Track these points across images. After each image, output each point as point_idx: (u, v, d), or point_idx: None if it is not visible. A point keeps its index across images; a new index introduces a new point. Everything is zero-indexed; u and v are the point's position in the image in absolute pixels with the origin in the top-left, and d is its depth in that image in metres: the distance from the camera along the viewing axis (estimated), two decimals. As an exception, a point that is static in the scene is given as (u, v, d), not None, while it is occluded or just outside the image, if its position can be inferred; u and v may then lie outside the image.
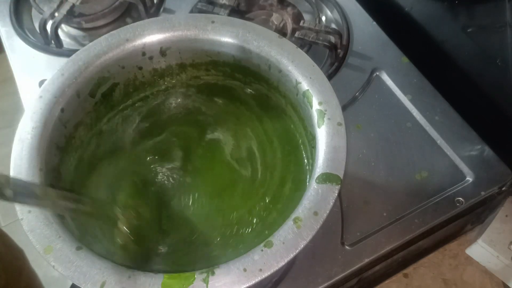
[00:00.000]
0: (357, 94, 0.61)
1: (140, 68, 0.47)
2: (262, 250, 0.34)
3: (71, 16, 0.67)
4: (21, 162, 0.38)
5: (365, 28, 0.67)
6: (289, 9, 0.69)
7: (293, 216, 0.35)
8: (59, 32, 0.68)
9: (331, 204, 0.35)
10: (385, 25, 0.67)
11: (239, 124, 0.48)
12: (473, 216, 0.57)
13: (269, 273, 0.33)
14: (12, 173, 0.38)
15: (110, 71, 0.45)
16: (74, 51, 0.44)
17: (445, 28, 0.64)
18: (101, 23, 0.69)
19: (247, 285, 0.32)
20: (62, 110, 0.42)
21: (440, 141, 0.58)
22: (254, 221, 0.42)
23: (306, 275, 0.50)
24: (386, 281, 0.59)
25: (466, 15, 0.61)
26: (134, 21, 0.46)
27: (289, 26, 0.67)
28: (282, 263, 0.33)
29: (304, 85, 0.41)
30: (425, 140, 0.58)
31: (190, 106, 0.49)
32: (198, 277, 0.33)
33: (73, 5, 0.66)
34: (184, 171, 0.46)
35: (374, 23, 0.67)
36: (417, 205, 0.54)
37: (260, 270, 0.33)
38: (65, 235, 0.35)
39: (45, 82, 0.43)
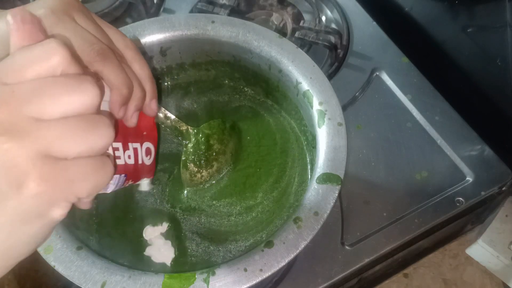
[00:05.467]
0: (357, 94, 0.61)
1: (140, 68, 0.47)
2: (262, 250, 0.34)
3: (71, 16, 0.67)
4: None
5: (365, 28, 0.67)
6: (289, 9, 0.69)
7: (293, 216, 0.35)
8: (59, 32, 0.67)
9: (332, 204, 0.35)
10: (385, 25, 0.67)
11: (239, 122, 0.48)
12: (473, 216, 0.57)
13: (269, 273, 0.33)
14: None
15: (110, 71, 0.45)
16: (74, 51, 0.44)
17: (445, 28, 0.64)
18: (101, 23, 0.69)
19: (248, 285, 0.33)
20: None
21: (440, 141, 0.58)
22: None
23: (306, 275, 0.50)
24: (386, 281, 0.59)
25: (466, 15, 0.61)
26: (134, 21, 0.46)
27: (289, 26, 0.67)
28: (282, 263, 0.33)
29: (305, 85, 0.41)
30: (425, 140, 0.58)
31: (190, 107, 0.49)
32: (199, 277, 0.33)
33: (73, 5, 0.66)
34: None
35: (374, 23, 0.67)
36: (417, 205, 0.54)
37: (261, 270, 0.33)
38: (65, 235, 0.35)
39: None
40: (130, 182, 0.36)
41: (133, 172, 0.35)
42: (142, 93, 0.33)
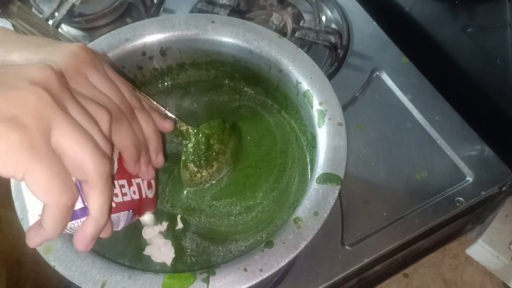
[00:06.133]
0: (357, 94, 0.62)
1: (140, 68, 0.47)
2: (262, 250, 0.34)
3: (71, 16, 0.67)
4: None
5: (365, 28, 0.67)
6: (289, 9, 0.69)
7: (293, 216, 0.35)
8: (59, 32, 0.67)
9: (332, 204, 0.35)
10: (385, 25, 0.67)
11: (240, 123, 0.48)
12: (473, 216, 0.57)
13: (269, 273, 0.33)
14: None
15: (110, 71, 0.45)
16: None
17: (445, 28, 0.64)
18: (101, 23, 0.69)
19: (248, 285, 0.32)
20: (62, 110, 0.42)
21: (440, 141, 0.58)
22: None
23: (306, 275, 0.50)
24: (386, 281, 0.59)
25: (466, 15, 0.61)
26: (134, 21, 0.46)
27: (289, 26, 0.67)
28: (282, 263, 0.33)
29: (305, 85, 0.41)
30: (425, 140, 0.58)
31: (190, 107, 0.49)
32: (199, 277, 0.33)
33: (73, 5, 0.66)
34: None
35: (374, 23, 0.67)
36: (417, 205, 0.54)
37: (261, 270, 0.33)
38: (65, 235, 0.35)
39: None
40: (136, 217, 0.36)
41: (138, 207, 0.35)
42: (147, 150, 0.35)
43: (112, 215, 0.31)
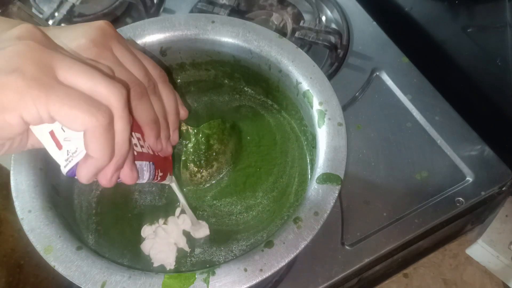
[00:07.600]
0: (357, 94, 0.62)
1: (140, 68, 0.47)
2: (262, 250, 0.34)
3: (71, 16, 0.67)
4: (21, 161, 0.38)
5: (365, 28, 0.67)
6: (289, 9, 0.69)
7: (293, 216, 0.35)
8: (59, 32, 0.67)
9: (332, 204, 0.35)
10: (385, 25, 0.67)
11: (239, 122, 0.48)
12: (473, 216, 0.57)
13: (269, 273, 0.33)
14: (12, 172, 0.38)
15: (110, 71, 0.45)
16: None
17: (445, 28, 0.64)
18: (101, 23, 0.69)
19: (248, 285, 0.32)
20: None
21: (440, 141, 0.58)
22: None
23: (306, 275, 0.50)
24: (386, 281, 0.59)
25: (466, 15, 0.61)
26: (134, 21, 0.46)
27: (289, 26, 0.67)
28: (282, 263, 0.33)
29: (305, 85, 0.41)
30: (425, 140, 0.58)
31: (190, 107, 0.49)
32: (199, 277, 0.33)
33: (73, 5, 0.66)
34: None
35: (374, 23, 0.67)
36: (417, 205, 0.54)
37: (261, 270, 0.33)
38: (65, 235, 0.35)
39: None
40: (160, 174, 0.36)
41: (156, 161, 0.35)
42: (167, 124, 0.35)
43: (136, 162, 0.32)
